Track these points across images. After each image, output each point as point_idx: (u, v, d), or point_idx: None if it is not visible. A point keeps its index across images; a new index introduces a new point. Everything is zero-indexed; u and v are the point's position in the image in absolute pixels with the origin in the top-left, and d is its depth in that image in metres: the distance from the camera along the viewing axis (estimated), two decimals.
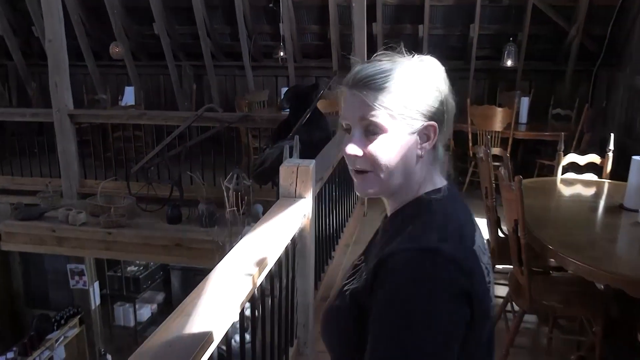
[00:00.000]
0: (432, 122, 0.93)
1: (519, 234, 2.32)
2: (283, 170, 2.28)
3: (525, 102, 5.45)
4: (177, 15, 7.13)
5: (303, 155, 4.12)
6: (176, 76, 7.41)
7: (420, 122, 0.92)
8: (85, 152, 5.45)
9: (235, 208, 3.82)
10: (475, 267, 0.86)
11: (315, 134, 4.11)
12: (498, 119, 4.94)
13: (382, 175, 0.94)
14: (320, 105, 5.57)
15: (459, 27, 6.63)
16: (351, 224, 4.11)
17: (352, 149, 0.93)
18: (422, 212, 0.93)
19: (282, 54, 6.22)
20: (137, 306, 7.17)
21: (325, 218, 3.29)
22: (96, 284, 5.54)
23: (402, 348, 0.79)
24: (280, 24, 6.63)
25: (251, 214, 4.15)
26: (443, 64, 0.99)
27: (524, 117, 5.39)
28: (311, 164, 2.29)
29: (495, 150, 5.09)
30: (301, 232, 2.32)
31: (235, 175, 4.58)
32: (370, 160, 0.93)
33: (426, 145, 0.94)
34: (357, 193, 1.02)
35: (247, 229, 3.61)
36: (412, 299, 0.80)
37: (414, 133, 0.92)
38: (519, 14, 6.18)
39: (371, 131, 0.92)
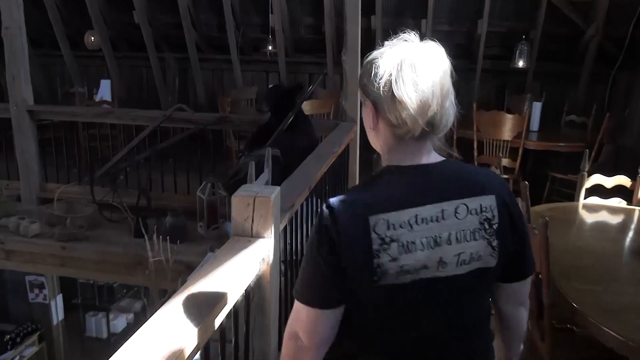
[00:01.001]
0: (369, 102, 1.13)
1: (542, 290, 1.79)
2: (235, 201, 1.75)
3: (537, 107, 4.91)
4: (160, 3, 6.57)
5: (285, 166, 3.61)
6: (158, 69, 6.86)
7: (365, 100, 1.15)
8: (55, 150, 4.93)
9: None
10: (350, 225, 1.07)
11: (299, 141, 3.59)
12: (507, 126, 4.41)
13: None
14: (310, 105, 5.03)
15: (465, 23, 6.08)
16: None
17: None
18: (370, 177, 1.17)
19: (270, 47, 5.66)
20: (111, 316, 6.66)
21: (304, 244, 2.77)
22: (59, 297, 5.04)
23: (302, 270, 1.17)
24: (270, 15, 6.08)
25: (220, 233, 3.62)
26: None
27: (535, 125, 4.85)
28: (273, 193, 1.76)
29: (504, 162, 4.56)
30: (259, 282, 1.79)
31: (209, 185, 4.06)
32: None
33: (371, 122, 1.15)
34: None
35: (208, 257, 3.10)
36: (309, 238, 1.20)
37: (366, 108, 1.16)
38: (532, 10, 5.63)
39: None
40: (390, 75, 1.08)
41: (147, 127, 4.27)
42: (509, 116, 4.43)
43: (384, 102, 1.09)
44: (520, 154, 4.47)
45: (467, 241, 1.09)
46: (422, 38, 1.24)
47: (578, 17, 5.58)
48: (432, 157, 1.15)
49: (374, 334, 1.15)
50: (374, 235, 1.05)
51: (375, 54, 1.15)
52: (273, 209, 1.75)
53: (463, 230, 1.09)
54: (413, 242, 1.06)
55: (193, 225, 4.18)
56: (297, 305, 1.16)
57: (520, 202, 2.05)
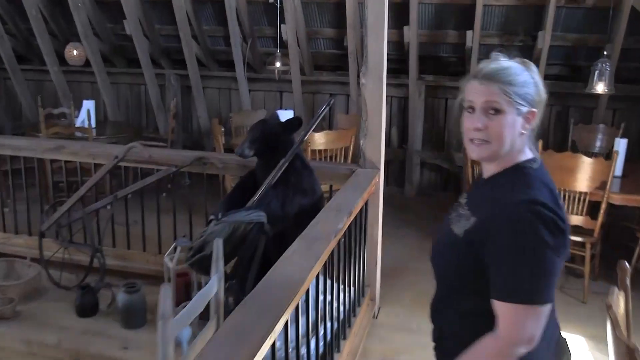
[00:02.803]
0: (534, 109, 1.28)
1: None
2: None
3: (622, 146, 3.73)
4: (157, 11, 5.66)
5: (276, 237, 2.56)
6: (156, 88, 5.93)
7: (526, 108, 1.26)
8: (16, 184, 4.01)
9: None
10: (563, 214, 1.21)
11: (293, 201, 2.53)
12: (587, 174, 3.25)
13: (494, 145, 1.26)
14: (324, 138, 3.98)
15: (520, 36, 4.95)
16: (351, 342, 2.50)
17: (474, 124, 1.26)
18: (520, 175, 1.27)
19: (278, 64, 4.63)
20: None
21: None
22: None
23: (525, 272, 1.16)
24: (282, 26, 5.08)
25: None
26: None
27: (618, 168, 3.66)
28: None
29: (577, 220, 3.39)
30: None
31: (179, 248, 3.03)
32: (490, 133, 1.25)
33: (527, 126, 1.28)
34: (471, 156, 1.32)
35: None
36: (525, 236, 1.16)
37: (520, 116, 1.26)
38: (609, 19, 4.45)
39: (493, 111, 1.25)
40: (539, 83, 1.30)
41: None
42: (588, 160, 3.26)
43: (542, 105, 1.30)
44: (602, 211, 3.30)
45: None
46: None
47: None
48: None
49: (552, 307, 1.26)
50: (564, 217, 1.21)
51: (521, 66, 1.29)
52: None
53: None
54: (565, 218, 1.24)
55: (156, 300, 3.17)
56: (531, 309, 1.17)
57: None
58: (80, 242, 3.43)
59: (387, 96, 5.39)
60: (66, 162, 3.68)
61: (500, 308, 1.17)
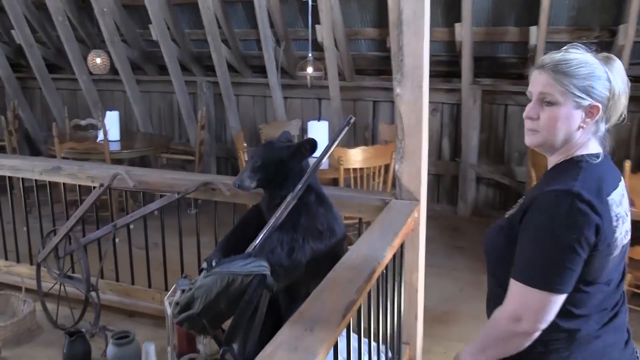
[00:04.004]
0: (597, 104, 1.21)
1: None
2: None
3: None
4: (186, 15, 5.27)
5: (286, 293, 2.05)
6: (186, 96, 5.55)
7: (587, 102, 1.21)
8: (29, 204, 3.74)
9: None
10: (604, 210, 1.16)
11: (304, 247, 2.00)
12: None
13: (544, 135, 1.25)
14: (361, 155, 3.43)
15: (595, 31, 4.22)
16: None
17: (528, 112, 1.26)
18: (572, 167, 1.23)
19: (310, 70, 4.11)
20: None
21: None
22: None
23: (535, 256, 1.17)
24: (317, 27, 4.56)
25: None
26: None
27: None
28: None
29: None
30: None
31: (179, 292, 2.56)
32: (541, 124, 1.24)
33: (588, 120, 1.23)
34: (525, 142, 1.30)
35: None
36: (544, 223, 1.16)
37: (579, 109, 1.22)
38: None
39: (546, 103, 1.23)
40: (615, 78, 1.22)
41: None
42: None
43: (613, 100, 1.22)
44: None
45: (628, 216, 1.26)
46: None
47: None
48: None
49: (599, 306, 1.24)
50: (612, 214, 1.19)
51: (594, 59, 1.23)
52: None
53: (627, 207, 1.27)
54: (622, 216, 1.22)
55: (162, 345, 2.72)
56: (529, 290, 1.17)
57: None
58: (80, 275, 3.04)
59: (437, 103, 4.84)
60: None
61: (510, 284, 1.21)
